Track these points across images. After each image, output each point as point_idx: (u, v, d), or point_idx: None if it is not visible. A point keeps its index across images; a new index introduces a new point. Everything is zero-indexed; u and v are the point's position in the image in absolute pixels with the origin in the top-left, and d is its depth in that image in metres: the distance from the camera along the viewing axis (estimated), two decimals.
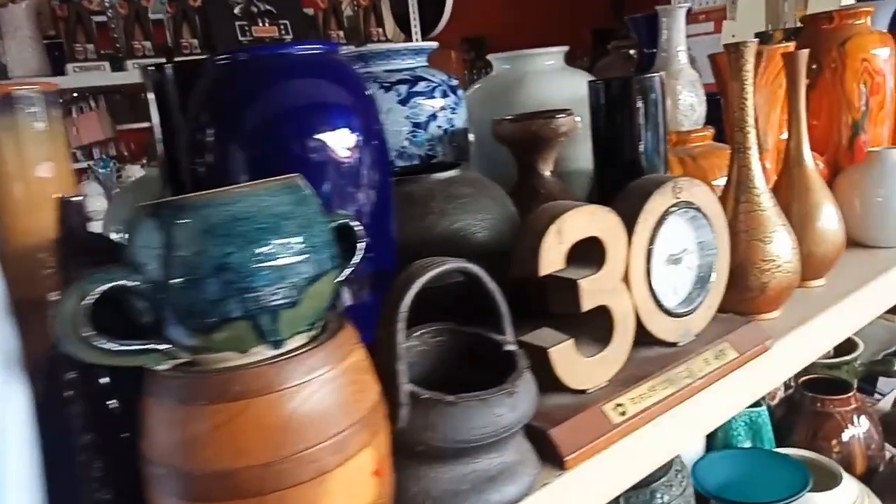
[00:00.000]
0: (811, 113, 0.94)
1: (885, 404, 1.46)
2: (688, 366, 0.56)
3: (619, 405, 0.51)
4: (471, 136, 0.87)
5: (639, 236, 0.54)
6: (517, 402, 0.43)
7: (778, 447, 1.28)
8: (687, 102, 0.75)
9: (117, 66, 2.46)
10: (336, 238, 0.38)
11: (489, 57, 0.99)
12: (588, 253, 0.52)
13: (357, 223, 0.41)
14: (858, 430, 1.27)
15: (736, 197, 0.67)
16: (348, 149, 0.46)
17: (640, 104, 0.64)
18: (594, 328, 0.54)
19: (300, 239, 0.33)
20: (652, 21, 0.92)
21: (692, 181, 0.58)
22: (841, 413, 1.29)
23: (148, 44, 2.53)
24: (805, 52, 0.72)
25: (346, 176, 0.46)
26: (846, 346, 1.55)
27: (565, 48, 0.97)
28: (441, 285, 0.46)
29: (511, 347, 0.47)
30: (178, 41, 2.57)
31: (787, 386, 1.50)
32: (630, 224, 0.54)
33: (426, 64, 0.82)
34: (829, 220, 0.74)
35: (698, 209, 0.58)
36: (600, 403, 0.51)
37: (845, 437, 1.26)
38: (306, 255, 0.33)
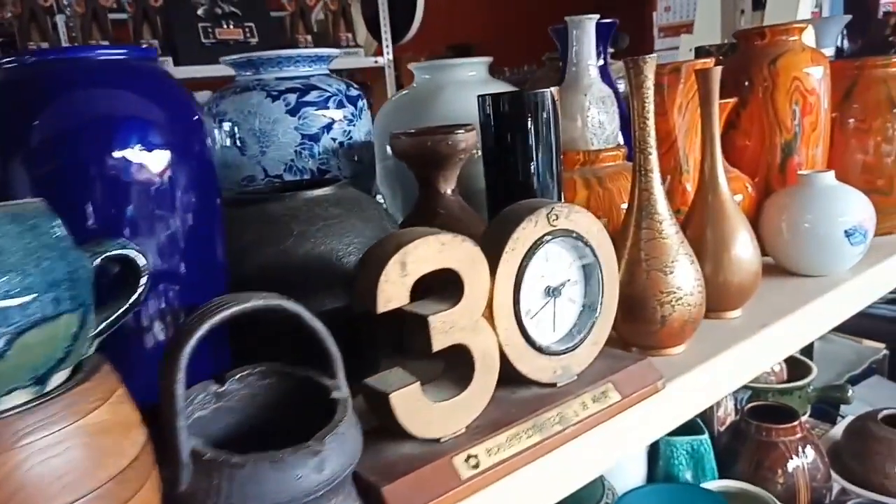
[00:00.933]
0: (742, 133, 0.90)
1: (835, 432, 1.42)
2: (560, 410, 0.51)
3: (472, 457, 0.46)
4: (389, 150, 0.82)
5: (505, 267, 0.49)
6: (325, 460, 0.37)
7: (721, 477, 1.23)
8: (596, 120, 0.71)
9: None
10: (96, 274, 0.32)
11: (410, 66, 0.94)
12: (449, 286, 0.47)
13: (139, 254, 0.36)
14: (803, 460, 1.23)
15: (637, 223, 0.63)
16: (156, 169, 0.41)
17: (528, 121, 0.59)
18: (456, 368, 0.49)
19: (6, 279, 0.28)
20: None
21: (572, 207, 0.53)
22: (786, 442, 1.24)
23: (106, 44, 2.47)
24: (717, 70, 0.68)
25: (154, 199, 0.41)
26: (800, 371, 1.51)
27: (489, 59, 0.92)
28: (282, 318, 0.41)
29: (337, 395, 0.42)
30: (137, 42, 2.52)
31: (736, 411, 1.46)
32: (495, 254, 0.49)
33: (326, 72, 0.77)
34: (744, 248, 0.70)
35: (580, 237, 0.53)
36: (450, 455, 0.46)
37: (790, 467, 1.22)
38: (16, 299, 0.28)
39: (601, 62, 0.90)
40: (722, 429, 1.37)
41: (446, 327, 0.46)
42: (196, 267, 0.43)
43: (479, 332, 0.48)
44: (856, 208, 0.79)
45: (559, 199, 0.62)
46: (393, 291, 0.44)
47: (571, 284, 0.55)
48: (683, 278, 0.61)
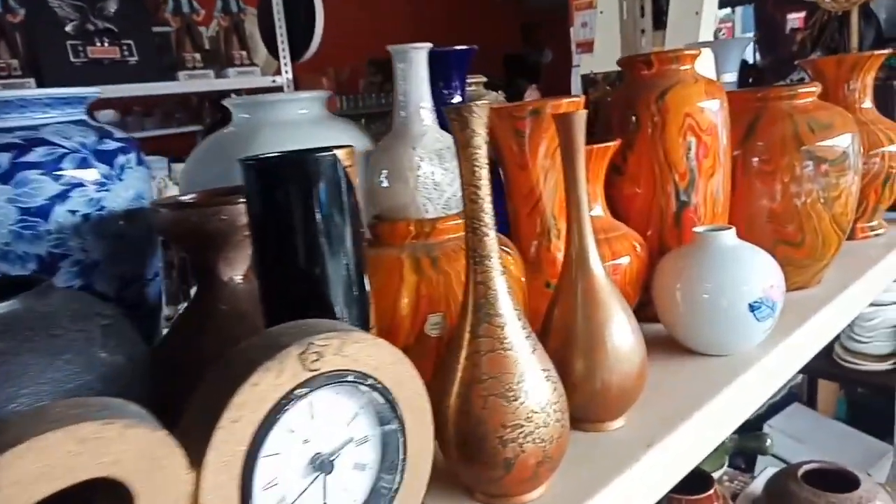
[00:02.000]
0: (629, 179, 0.75)
1: (754, 488, 1.30)
2: None
3: None
4: None
5: (221, 452, 0.31)
6: None
7: None
8: (430, 179, 0.54)
9: None
10: None
11: (224, 102, 0.75)
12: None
13: None
14: None
15: (472, 328, 0.46)
16: None
17: (306, 193, 0.42)
18: None
19: None
20: None
21: (347, 336, 0.35)
22: None
23: None
24: (581, 116, 0.52)
25: None
26: None
27: (325, 94, 0.74)
28: None
29: None
30: None
31: None
32: (202, 435, 0.31)
33: (79, 117, 0.57)
34: (623, 340, 0.54)
35: (363, 377, 0.36)
36: None
37: None
38: None
39: (458, 98, 0.74)
40: None
41: None
42: None
43: None
44: (762, 275, 0.65)
45: (359, 291, 0.45)
46: None
47: (356, 445, 0.37)
48: (535, 403, 0.45)
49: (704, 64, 0.94)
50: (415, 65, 0.54)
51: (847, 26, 3.24)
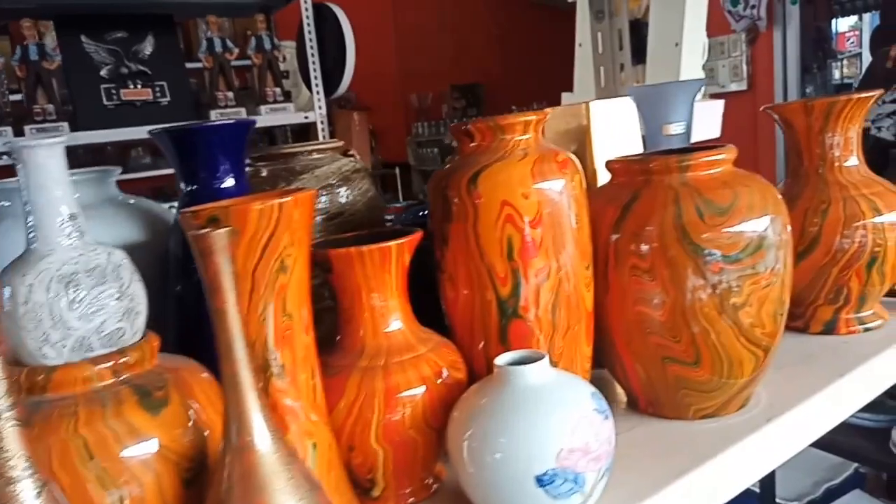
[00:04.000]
0: (450, 279, 0.59)
1: None
2: None
3: None
4: None
5: None
6: None
7: None
8: (49, 313, 0.41)
9: None
10: None
11: None
12: None
13: None
14: None
15: None
16: None
17: None
18: None
19: None
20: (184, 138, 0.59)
21: None
22: None
23: None
24: (222, 236, 0.38)
25: None
26: None
27: (110, 171, 0.64)
28: None
29: None
30: (31, 107, 2.33)
31: None
32: None
33: None
34: None
35: None
36: None
37: None
38: None
39: (230, 182, 0.61)
40: None
41: None
42: None
43: None
44: (561, 434, 0.47)
45: None
46: None
47: None
48: None
49: (617, 117, 0.76)
50: (33, 166, 0.42)
51: None
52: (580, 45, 1.28)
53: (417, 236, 0.56)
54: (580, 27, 1.24)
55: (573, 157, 0.59)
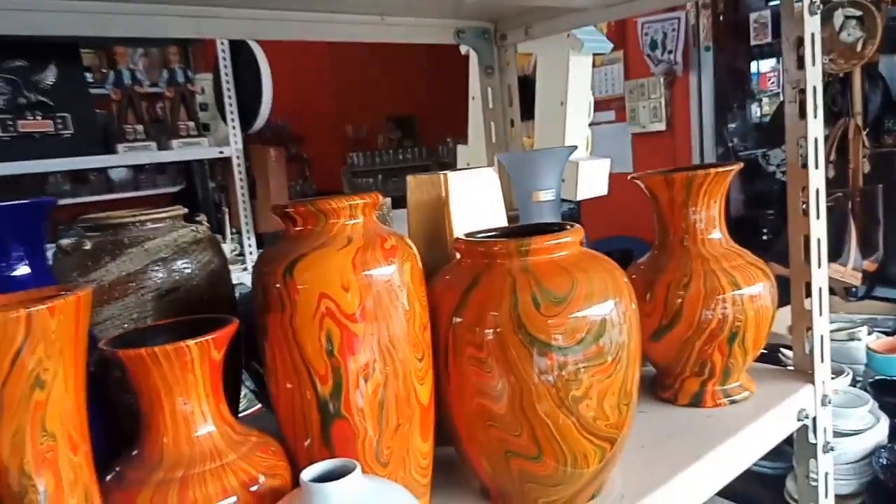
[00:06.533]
0: (271, 373, 0.55)
1: None
2: None
3: None
4: None
5: None
6: None
7: None
8: None
9: None
10: None
11: None
12: None
13: None
14: None
15: None
16: None
17: None
18: None
19: None
20: None
21: None
22: None
23: None
24: None
25: None
26: None
27: None
28: None
29: None
30: None
31: None
32: None
33: None
34: None
35: None
36: None
37: None
38: None
39: (24, 270, 0.55)
40: None
41: None
42: None
43: None
44: None
45: None
46: None
47: None
48: None
49: (478, 189, 0.74)
50: None
51: (850, 90, 2.97)
52: (473, 98, 1.27)
53: (230, 329, 0.51)
54: (472, 81, 1.23)
55: (406, 240, 0.56)
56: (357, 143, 6.71)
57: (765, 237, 3.64)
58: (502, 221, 0.77)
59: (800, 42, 0.81)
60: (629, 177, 0.83)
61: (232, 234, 2.77)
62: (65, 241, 0.62)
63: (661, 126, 3.91)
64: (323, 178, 6.02)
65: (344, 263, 0.51)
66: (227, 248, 2.70)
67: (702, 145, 3.85)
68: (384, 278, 0.53)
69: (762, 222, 3.71)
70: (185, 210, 0.71)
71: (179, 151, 2.61)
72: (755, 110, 4.59)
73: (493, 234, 0.65)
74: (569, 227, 0.61)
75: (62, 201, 4.15)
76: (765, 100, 4.86)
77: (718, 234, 0.79)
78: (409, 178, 0.75)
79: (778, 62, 4.62)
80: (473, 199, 0.74)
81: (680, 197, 0.78)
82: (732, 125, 4.09)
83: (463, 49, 1.20)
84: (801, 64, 0.82)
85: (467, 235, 0.63)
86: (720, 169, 0.77)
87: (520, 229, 0.65)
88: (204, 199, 3.94)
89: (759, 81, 4.80)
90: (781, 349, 1.37)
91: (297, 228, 0.54)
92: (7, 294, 0.46)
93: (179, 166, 3.28)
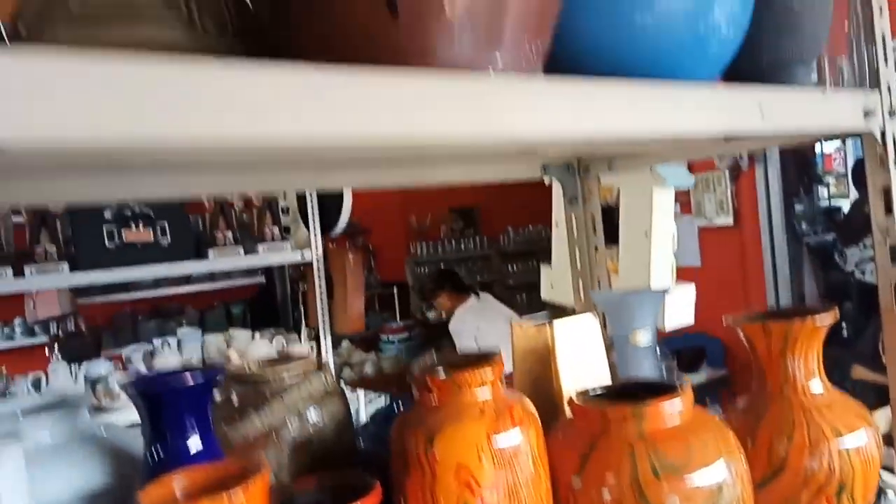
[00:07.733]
0: None
1: None
2: None
3: None
4: None
5: None
6: None
7: None
8: None
9: None
10: None
11: None
12: None
13: None
14: None
15: None
16: None
17: None
18: None
19: None
20: None
21: None
22: None
23: None
24: None
25: None
26: None
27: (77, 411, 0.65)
28: None
29: None
30: (32, 248, 2.39)
31: None
32: None
33: None
34: None
35: None
36: None
37: None
38: None
39: (197, 444, 0.62)
40: None
41: None
42: None
43: None
44: None
45: None
46: None
47: None
48: None
49: (581, 335, 0.79)
50: None
51: None
52: (556, 224, 1.34)
53: (375, 497, 0.56)
54: (556, 209, 1.30)
55: (527, 404, 0.61)
56: (420, 233, 6.86)
57: (845, 333, 3.51)
58: (604, 368, 0.81)
59: (887, 192, 0.85)
60: (724, 322, 0.86)
61: (309, 334, 2.87)
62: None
63: (729, 220, 3.90)
64: (387, 268, 6.17)
65: (478, 434, 0.56)
66: (304, 347, 2.80)
67: (772, 237, 3.80)
68: (514, 445, 0.57)
69: (841, 314, 3.60)
70: (316, 364, 0.78)
71: (264, 256, 2.76)
72: (822, 191, 4.54)
73: (602, 391, 0.69)
74: (679, 387, 0.65)
75: (148, 294, 4.41)
76: (831, 181, 4.80)
77: (818, 384, 0.81)
78: (514, 326, 0.80)
79: (842, 143, 4.59)
80: (577, 347, 0.79)
81: (777, 347, 0.80)
82: (799, 207, 4.05)
83: (546, 180, 1.28)
84: (888, 209, 0.85)
85: (580, 394, 0.68)
86: (816, 323, 0.79)
87: (629, 387, 0.69)
88: (282, 297, 4.11)
89: (823, 163, 4.76)
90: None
91: (429, 395, 0.60)
92: (187, 469, 0.52)
93: (259, 270, 3.46)
